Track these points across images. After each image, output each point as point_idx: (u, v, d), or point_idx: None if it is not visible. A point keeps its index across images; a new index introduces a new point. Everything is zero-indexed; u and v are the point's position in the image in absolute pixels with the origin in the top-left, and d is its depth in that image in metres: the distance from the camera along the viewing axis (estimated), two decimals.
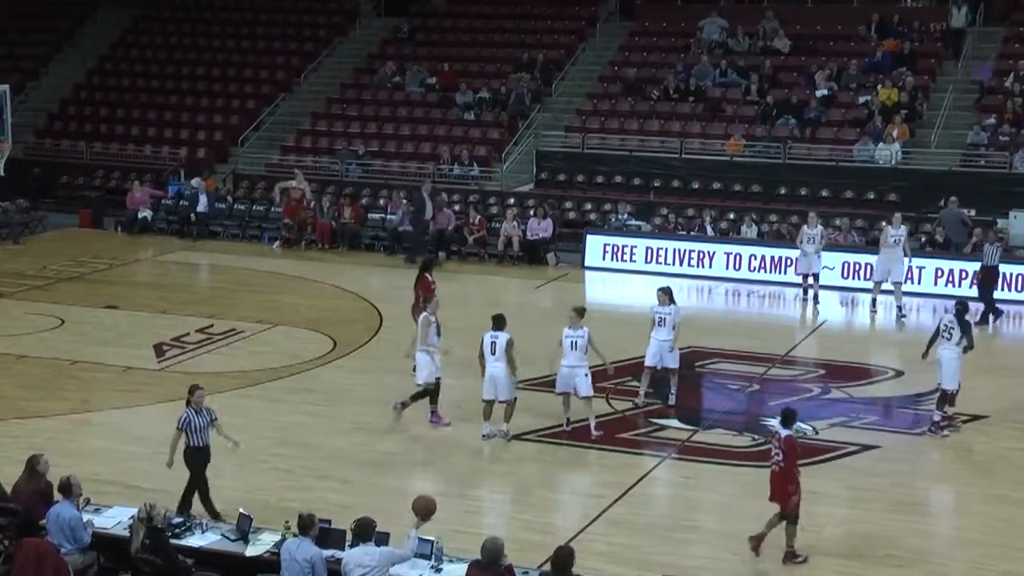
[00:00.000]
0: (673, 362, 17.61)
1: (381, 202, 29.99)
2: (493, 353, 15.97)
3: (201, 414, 13.36)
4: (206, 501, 13.31)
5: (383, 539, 11.13)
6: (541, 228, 27.64)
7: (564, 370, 16.34)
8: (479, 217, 28.32)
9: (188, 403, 13.43)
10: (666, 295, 17.62)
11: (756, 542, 12.87)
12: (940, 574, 12.81)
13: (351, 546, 11.02)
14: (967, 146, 28.57)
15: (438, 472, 15.23)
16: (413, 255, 26.50)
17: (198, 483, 13.34)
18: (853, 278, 25.03)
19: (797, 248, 24.25)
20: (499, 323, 16.20)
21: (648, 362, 17.64)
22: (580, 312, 16.65)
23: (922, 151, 28.90)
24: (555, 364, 16.48)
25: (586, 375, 16.29)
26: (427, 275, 18.97)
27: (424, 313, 16.75)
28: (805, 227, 24.14)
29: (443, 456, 15.80)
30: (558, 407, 16.80)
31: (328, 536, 11.43)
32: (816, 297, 24.07)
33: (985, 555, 13.12)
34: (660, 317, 17.46)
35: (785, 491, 12.74)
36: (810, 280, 24.13)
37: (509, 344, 15.94)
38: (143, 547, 11.23)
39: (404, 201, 28.59)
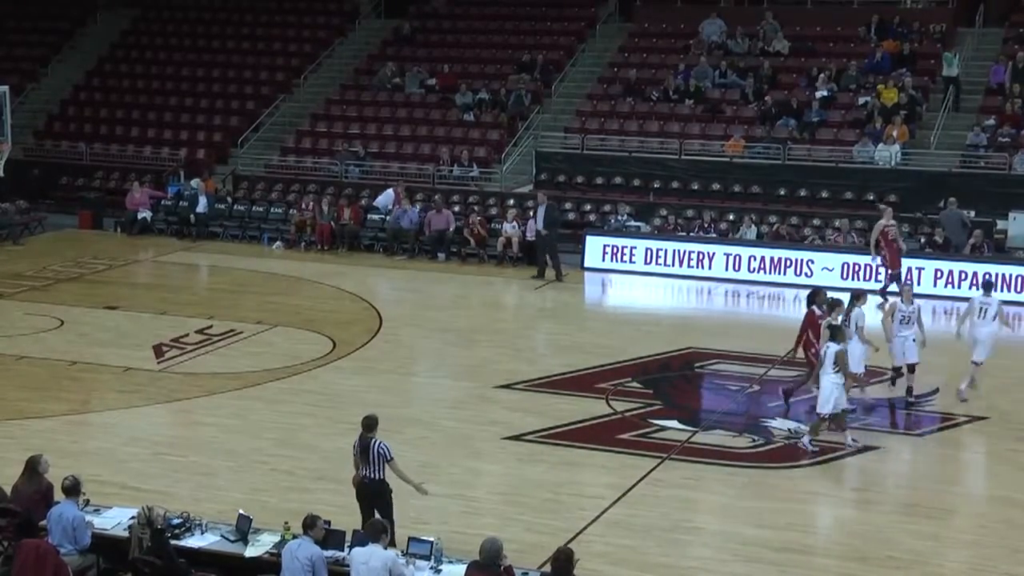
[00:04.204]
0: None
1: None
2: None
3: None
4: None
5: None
6: None
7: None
8: (479, 218, 28.30)
9: None
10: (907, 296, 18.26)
11: None
12: (940, 575, 12.81)
13: (360, 545, 10.96)
14: (967, 147, 28.56)
15: (436, 473, 15.19)
16: (560, 270, 26.18)
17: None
18: (852, 279, 24.98)
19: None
20: (835, 335, 16.12)
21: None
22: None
23: (922, 152, 28.88)
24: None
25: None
26: (813, 308, 17.87)
27: (835, 347, 16.06)
28: (899, 302, 18.37)
29: (442, 457, 15.78)
30: (559, 408, 16.80)
31: (328, 537, 11.42)
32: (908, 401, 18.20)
33: (985, 557, 13.09)
34: (904, 316, 17.98)
35: None
36: (903, 370, 18.34)
37: (839, 355, 15.91)
38: (144, 549, 11.21)
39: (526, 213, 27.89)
